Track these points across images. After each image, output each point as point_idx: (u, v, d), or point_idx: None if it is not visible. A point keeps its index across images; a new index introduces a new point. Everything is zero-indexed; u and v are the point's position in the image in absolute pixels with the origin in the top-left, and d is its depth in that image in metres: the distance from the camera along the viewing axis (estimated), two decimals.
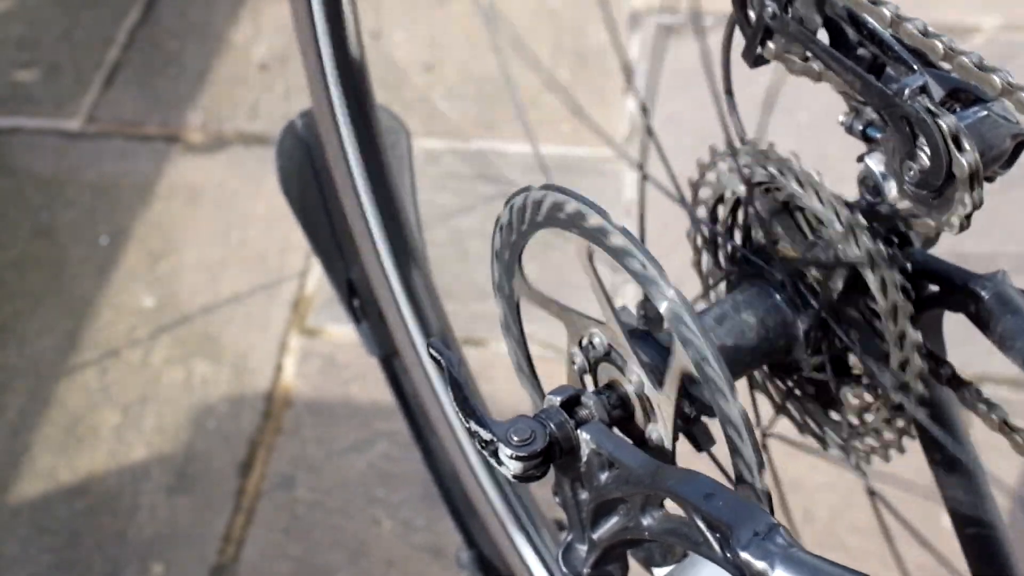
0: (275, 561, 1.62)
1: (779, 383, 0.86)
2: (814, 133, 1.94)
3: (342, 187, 1.07)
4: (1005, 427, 0.76)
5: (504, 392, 1.69)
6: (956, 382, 0.79)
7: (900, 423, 0.80)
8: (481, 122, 2.16)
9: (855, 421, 0.83)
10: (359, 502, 1.67)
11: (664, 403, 0.72)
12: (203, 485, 1.70)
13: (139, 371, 1.83)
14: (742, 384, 0.86)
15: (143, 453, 1.73)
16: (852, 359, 0.81)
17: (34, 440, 1.75)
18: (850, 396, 0.82)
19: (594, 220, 0.70)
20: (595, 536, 0.72)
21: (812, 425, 0.85)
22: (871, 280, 0.76)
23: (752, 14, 0.79)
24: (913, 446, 0.84)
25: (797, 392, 0.85)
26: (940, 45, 0.73)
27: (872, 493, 0.91)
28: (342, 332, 1.84)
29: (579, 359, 0.77)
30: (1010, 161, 0.76)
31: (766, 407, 0.89)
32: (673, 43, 2.24)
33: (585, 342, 0.76)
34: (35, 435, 1.75)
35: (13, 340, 1.87)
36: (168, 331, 1.88)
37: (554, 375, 0.80)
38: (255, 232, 2.01)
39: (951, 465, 0.84)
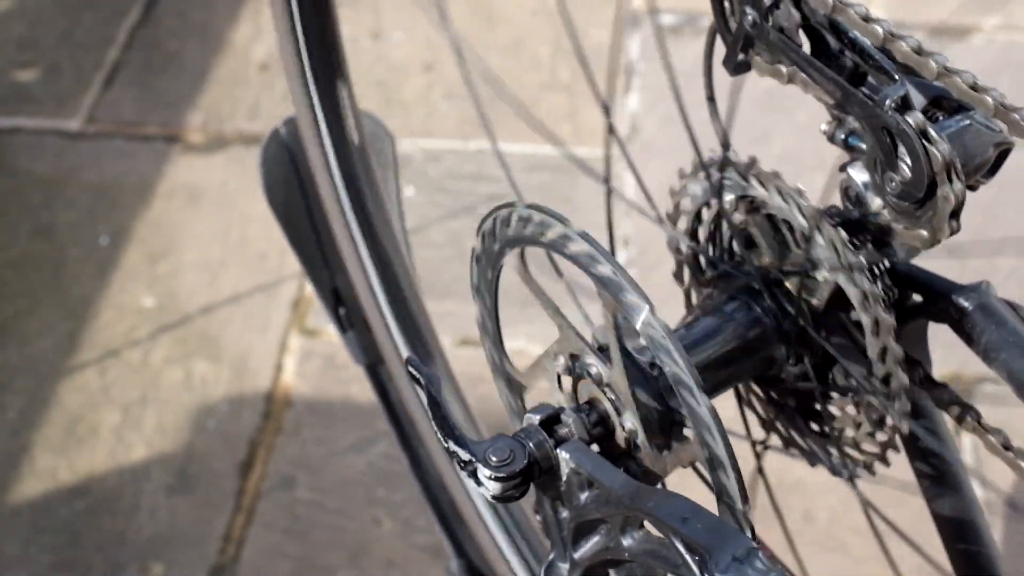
0: (275, 561, 1.62)
1: (765, 398, 0.85)
2: (813, 134, 1.93)
3: (326, 195, 1.06)
4: (980, 427, 0.76)
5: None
6: (938, 392, 0.79)
7: (884, 435, 0.80)
8: (481, 122, 2.15)
9: (841, 432, 0.83)
10: (359, 502, 1.67)
11: (657, 454, 0.71)
12: (203, 485, 1.70)
13: (139, 371, 1.83)
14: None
15: (143, 453, 1.73)
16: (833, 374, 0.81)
17: (34, 440, 1.75)
18: (834, 408, 0.81)
19: (604, 269, 0.69)
20: (576, 555, 0.71)
21: (799, 439, 0.85)
22: (851, 292, 0.75)
23: (732, 22, 0.78)
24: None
25: (782, 405, 0.85)
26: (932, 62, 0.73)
27: (866, 503, 0.91)
28: None
29: (563, 369, 0.76)
30: (993, 170, 0.75)
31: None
32: (673, 43, 2.23)
33: (575, 354, 0.75)
34: (35, 435, 1.75)
35: (13, 340, 1.87)
36: (168, 331, 1.88)
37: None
38: (255, 232, 2.01)
39: (937, 475, 0.84)
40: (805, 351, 0.79)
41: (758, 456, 0.88)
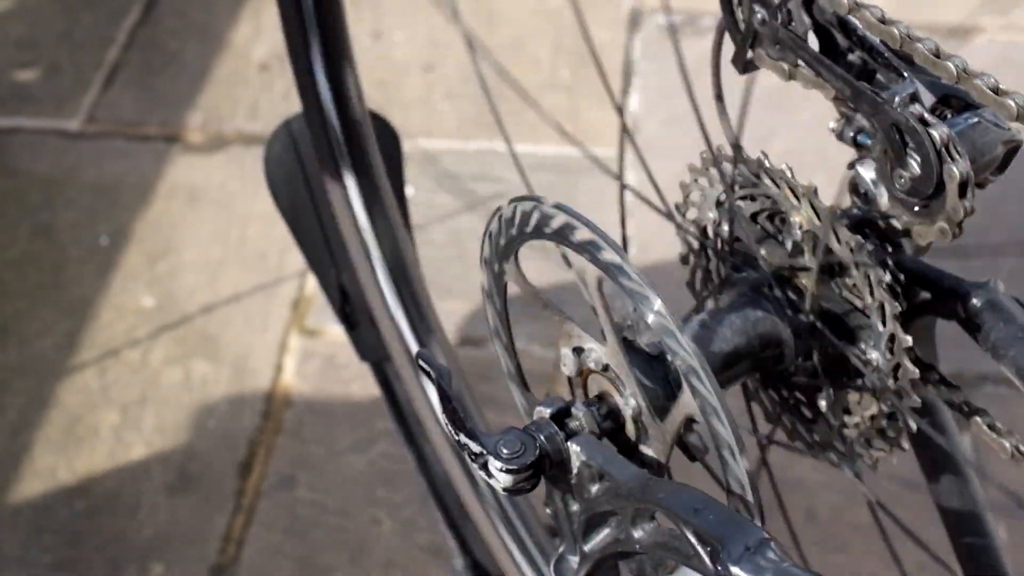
0: (275, 561, 1.62)
1: (773, 393, 0.85)
2: (816, 133, 1.94)
3: (332, 192, 1.06)
4: (990, 429, 0.76)
5: (503, 392, 1.69)
6: (945, 388, 0.79)
7: (892, 432, 0.80)
8: (481, 122, 2.16)
9: (848, 425, 0.83)
10: (360, 502, 1.67)
11: (661, 434, 0.71)
12: (203, 485, 1.70)
13: (139, 371, 1.83)
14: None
15: (143, 453, 1.73)
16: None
17: (34, 440, 1.75)
18: (842, 403, 0.81)
19: (609, 255, 0.69)
20: (586, 548, 0.72)
21: (806, 433, 0.85)
22: (857, 278, 0.75)
23: (741, 19, 0.79)
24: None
25: (790, 400, 0.85)
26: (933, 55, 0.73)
27: (873, 502, 0.91)
28: (342, 332, 1.84)
29: (571, 364, 0.76)
30: (1002, 167, 0.76)
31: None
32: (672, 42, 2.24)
33: (579, 347, 0.76)
34: (35, 435, 1.75)
35: (13, 340, 1.87)
36: (168, 331, 1.88)
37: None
38: (255, 232, 2.01)
39: (943, 470, 0.84)
40: (814, 346, 0.79)
41: (763, 449, 0.89)
